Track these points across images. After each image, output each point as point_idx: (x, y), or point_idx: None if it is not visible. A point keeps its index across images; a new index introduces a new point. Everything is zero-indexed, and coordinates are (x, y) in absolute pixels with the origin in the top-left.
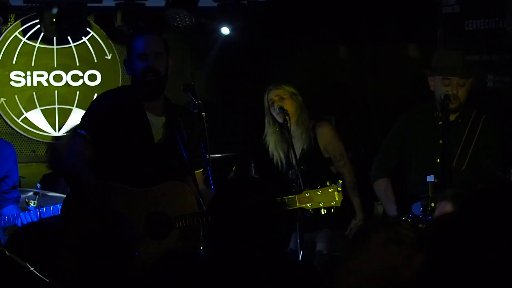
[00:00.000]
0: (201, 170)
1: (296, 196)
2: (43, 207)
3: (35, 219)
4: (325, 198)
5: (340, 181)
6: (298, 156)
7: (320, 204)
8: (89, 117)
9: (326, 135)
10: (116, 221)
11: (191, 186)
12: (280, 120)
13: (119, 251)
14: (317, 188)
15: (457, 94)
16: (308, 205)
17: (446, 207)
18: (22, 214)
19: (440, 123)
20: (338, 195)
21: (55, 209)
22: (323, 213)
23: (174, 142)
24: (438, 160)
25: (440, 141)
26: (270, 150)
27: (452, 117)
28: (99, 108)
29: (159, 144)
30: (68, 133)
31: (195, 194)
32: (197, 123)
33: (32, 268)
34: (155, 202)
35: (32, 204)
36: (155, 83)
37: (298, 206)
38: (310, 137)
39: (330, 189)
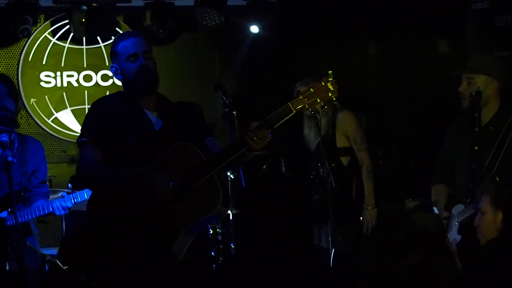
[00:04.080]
0: (212, 137)
1: (288, 103)
2: (76, 192)
3: (70, 205)
4: (321, 92)
5: (330, 72)
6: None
7: (318, 100)
8: (87, 123)
9: (346, 120)
10: (147, 179)
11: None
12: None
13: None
14: (308, 87)
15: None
16: (305, 106)
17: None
18: (56, 200)
19: (476, 129)
20: (331, 84)
21: (88, 193)
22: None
23: (173, 127)
24: (473, 166)
25: (476, 148)
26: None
27: (483, 122)
28: (94, 113)
29: (160, 132)
30: None
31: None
32: (191, 107)
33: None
34: (166, 169)
35: (65, 191)
36: (150, 80)
37: (295, 112)
38: (329, 125)
39: (322, 83)
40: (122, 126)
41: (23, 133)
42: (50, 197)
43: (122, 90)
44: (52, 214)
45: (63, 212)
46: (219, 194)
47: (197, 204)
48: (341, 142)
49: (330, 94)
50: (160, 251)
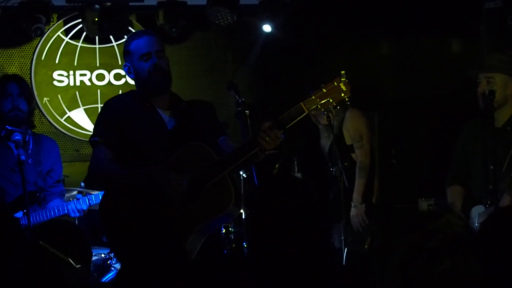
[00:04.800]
0: (225, 136)
1: (301, 103)
2: (91, 194)
3: (85, 207)
4: (333, 93)
5: (343, 72)
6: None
7: (330, 100)
8: (99, 123)
9: (349, 118)
10: (160, 177)
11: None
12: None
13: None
14: (321, 87)
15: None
16: (318, 106)
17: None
18: (71, 202)
19: (494, 129)
20: (344, 84)
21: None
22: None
23: (185, 126)
24: (492, 166)
25: (492, 148)
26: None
27: (500, 122)
28: (107, 112)
29: (173, 131)
30: None
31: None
32: (204, 106)
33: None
34: (179, 169)
35: (79, 193)
36: (163, 79)
37: (307, 112)
38: (339, 124)
39: (335, 83)
40: (134, 125)
41: (37, 133)
42: (65, 190)
43: (135, 89)
44: (66, 215)
45: (77, 214)
46: (231, 194)
47: (209, 204)
48: (348, 139)
49: (342, 95)
50: (172, 250)
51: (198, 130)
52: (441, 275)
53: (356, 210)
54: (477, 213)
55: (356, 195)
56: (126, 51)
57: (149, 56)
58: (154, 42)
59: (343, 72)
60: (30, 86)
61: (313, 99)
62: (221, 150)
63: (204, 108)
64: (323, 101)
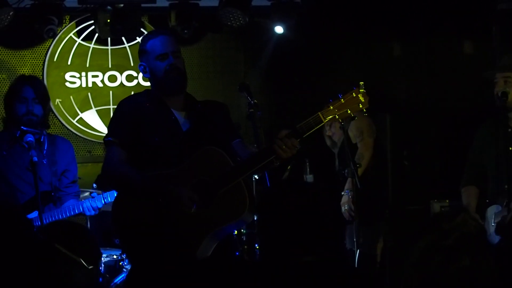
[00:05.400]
0: (239, 140)
1: (319, 112)
2: (106, 192)
3: (100, 205)
4: (351, 104)
5: (361, 83)
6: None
7: (348, 111)
8: (114, 123)
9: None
10: (172, 192)
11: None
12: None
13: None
14: (339, 98)
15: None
16: (336, 116)
17: None
18: (86, 200)
19: (510, 130)
20: (363, 96)
21: None
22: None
23: (200, 128)
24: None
25: (510, 148)
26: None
27: None
28: (122, 112)
29: (187, 133)
30: None
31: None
32: (219, 108)
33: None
34: (193, 173)
35: (95, 191)
36: (179, 79)
37: (325, 121)
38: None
39: (353, 94)
40: (149, 126)
41: (51, 133)
42: (80, 191)
43: (150, 89)
44: (82, 214)
45: (93, 212)
46: (246, 201)
47: (223, 210)
48: (354, 139)
49: (360, 106)
50: (184, 255)
51: (212, 132)
52: (460, 272)
53: (344, 198)
54: (493, 213)
55: (347, 184)
56: (142, 51)
57: (165, 56)
58: (170, 42)
59: (362, 83)
60: None
61: (331, 109)
62: (235, 153)
63: (218, 110)
64: (341, 112)
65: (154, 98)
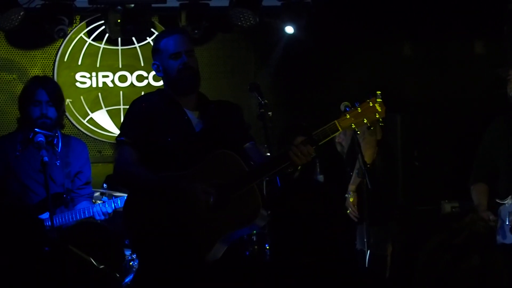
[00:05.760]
0: (252, 142)
1: (335, 121)
2: (117, 197)
3: (110, 211)
4: (368, 113)
5: (379, 92)
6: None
7: (364, 121)
8: (127, 123)
9: None
10: (187, 188)
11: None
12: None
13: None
14: (356, 107)
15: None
16: (352, 125)
17: None
18: (97, 205)
19: None
20: (380, 105)
21: None
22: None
23: (213, 129)
24: None
25: None
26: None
27: None
28: (135, 112)
29: (200, 133)
30: None
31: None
32: (232, 109)
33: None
34: (206, 176)
35: (105, 195)
36: (192, 78)
37: (341, 130)
38: None
39: (370, 103)
40: (161, 125)
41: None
42: (94, 192)
43: (162, 88)
44: (92, 217)
45: (102, 217)
46: (259, 206)
47: (236, 214)
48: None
49: (377, 115)
50: (194, 258)
51: (225, 134)
52: (470, 271)
53: (347, 200)
54: (507, 212)
55: (350, 185)
56: (155, 49)
57: (179, 55)
58: (184, 41)
59: (379, 92)
60: None
61: (347, 117)
62: (248, 156)
63: (232, 111)
64: (357, 121)
65: (167, 98)
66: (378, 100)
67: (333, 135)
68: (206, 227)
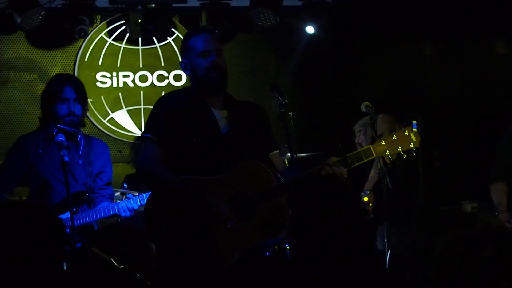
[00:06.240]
0: (277, 151)
1: (371, 146)
2: (142, 194)
3: (136, 207)
4: (402, 142)
5: (415, 121)
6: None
7: (398, 149)
8: (153, 119)
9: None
10: (212, 206)
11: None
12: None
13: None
14: (391, 134)
15: None
16: (386, 152)
17: None
18: (122, 202)
19: None
20: (415, 135)
21: None
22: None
23: (240, 132)
24: None
25: None
26: None
27: None
28: (162, 109)
29: (227, 135)
30: None
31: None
32: (260, 113)
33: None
34: (234, 185)
35: (131, 192)
36: (220, 78)
37: (375, 156)
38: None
39: (405, 132)
40: (188, 124)
41: (87, 134)
42: (114, 193)
43: (190, 86)
44: (116, 216)
45: (128, 213)
46: (285, 220)
47: (260, 226)
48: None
49: (411, 145)
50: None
51: (251, 138)
52: (485, 261)
53: (361, 199)
54: None
55: (366, 184)
56: (184, 48)
57: (208, 53)
58: (213, 40)
59: (415, 121)
60: None
61: (382, 144)
62: (272, 166)
63: (259, 116)
64: (391, 148)
65: (194, 96)
66: (414, 130)
67: (367, 160)
68: (229, 236)
